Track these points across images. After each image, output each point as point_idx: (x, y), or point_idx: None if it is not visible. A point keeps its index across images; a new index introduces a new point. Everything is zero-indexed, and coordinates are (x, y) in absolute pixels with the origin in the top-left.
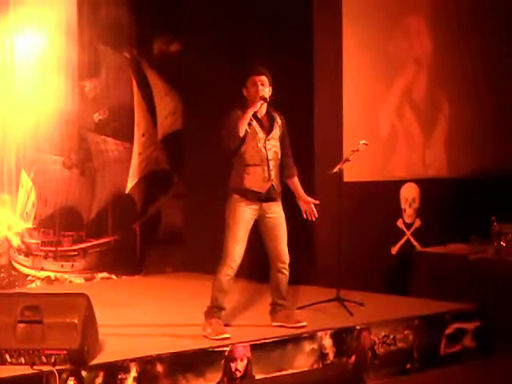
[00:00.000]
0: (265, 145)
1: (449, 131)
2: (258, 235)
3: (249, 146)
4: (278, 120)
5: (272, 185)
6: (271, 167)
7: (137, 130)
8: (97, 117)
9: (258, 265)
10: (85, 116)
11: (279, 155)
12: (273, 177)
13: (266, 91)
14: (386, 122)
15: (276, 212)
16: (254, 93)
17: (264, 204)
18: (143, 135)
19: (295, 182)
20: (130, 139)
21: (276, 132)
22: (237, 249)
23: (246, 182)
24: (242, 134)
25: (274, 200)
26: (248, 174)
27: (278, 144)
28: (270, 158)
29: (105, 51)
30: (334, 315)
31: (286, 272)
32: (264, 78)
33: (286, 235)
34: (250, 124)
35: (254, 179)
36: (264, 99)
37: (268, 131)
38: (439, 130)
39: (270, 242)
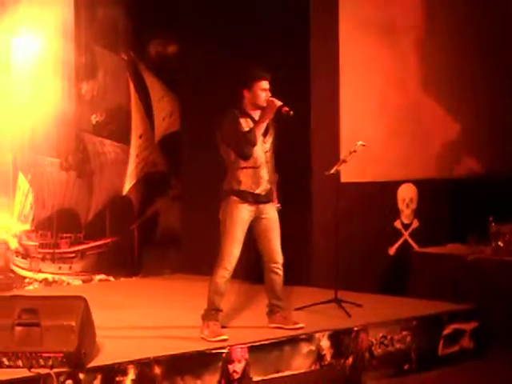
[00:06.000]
0: (262, 147)
1: (447, 131)
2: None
3: None
4: (273, 123)
5: (268, 186)
6: (267, 169)
7: (134, 131)
8: (94, 118)
9: (253, 265)
10: (82, 118)
11: (273, 157)
12: (268, 178)
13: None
14: (384, 123)
15: (269, 213)
16: (262, 98)
17: (260, 205)
18: (140, 137)
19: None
20: (128, 141)
21: (271, 134)
22: (233, 251)
23: (243, 184)
24: (258, 141)
25: (270, 201)
26: (245, 176)
27: (271, 146)
28: (266, 160)
29: (102, 53)
30: (331, 316)
31: (280, 272)
32: (268, 84)
33: (278, 236)
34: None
35: (251, 181)
36: (288, 111)
37: (265, 134)
38: (437, 130)
39: (263, 243)
